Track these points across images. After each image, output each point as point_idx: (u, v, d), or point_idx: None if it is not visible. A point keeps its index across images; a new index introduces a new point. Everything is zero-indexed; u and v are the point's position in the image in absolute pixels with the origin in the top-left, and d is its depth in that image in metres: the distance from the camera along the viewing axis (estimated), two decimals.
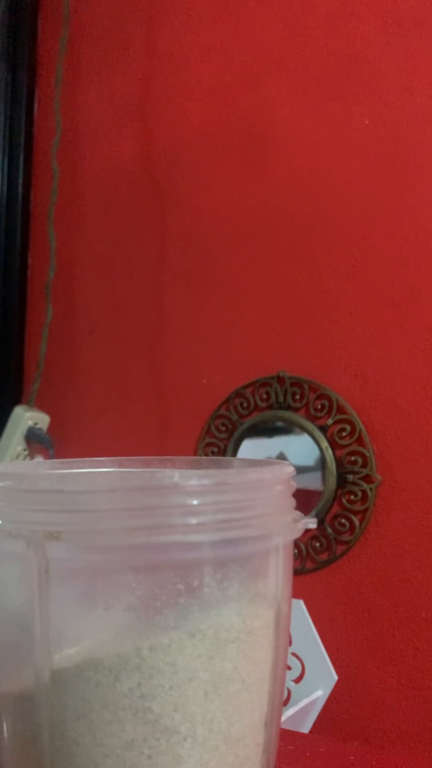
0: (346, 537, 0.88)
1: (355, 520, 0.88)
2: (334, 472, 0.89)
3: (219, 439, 0.97)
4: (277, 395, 0.93)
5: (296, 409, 0.93)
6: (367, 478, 0.88)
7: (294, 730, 0.68)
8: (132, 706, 0.33)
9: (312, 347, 0.92)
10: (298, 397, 0.92)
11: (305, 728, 0.84)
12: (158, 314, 1.04)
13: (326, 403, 0.90)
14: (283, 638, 0.38)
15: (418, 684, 0.84)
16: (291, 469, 0.39)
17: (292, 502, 0.39)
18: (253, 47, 0.99)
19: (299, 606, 0.87)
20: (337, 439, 0.89)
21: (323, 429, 0.90)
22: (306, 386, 0.92)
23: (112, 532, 0.33)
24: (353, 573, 0.88)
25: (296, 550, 0.91)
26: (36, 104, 1.17)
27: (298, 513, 0.39)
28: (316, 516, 0.90)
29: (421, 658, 0.84)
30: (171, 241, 1.04)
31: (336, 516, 0.89)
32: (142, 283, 1.06)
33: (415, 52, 0.88)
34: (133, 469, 0.46)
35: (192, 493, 0.34)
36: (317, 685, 0.85)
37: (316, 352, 0.92)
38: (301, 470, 0.91)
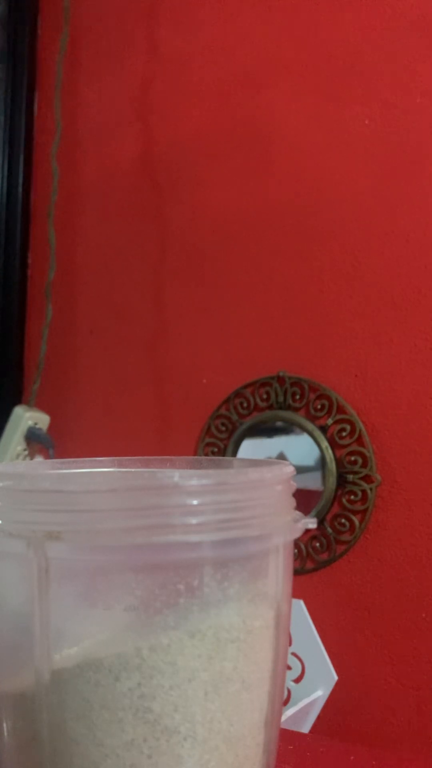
0: (346, 537, 0.88)
1: (355, 520, 0.88)
2: (334, 472, 0.89)
3: (219, 439, 0.97)
4: (277, 395, 0.93)
5: (296, 409, 0.93)
6: (367, 478, 0.88)
7: (294, 730, 0.68)
8: (132, 706, 0.33)
9: (312, 347, 0.92)
10: (298, 397, 0.92)
11: (305, 728, 0.84)
12: (158, 314, 1.04)
13: (326, 403, 0.90)
14: (283, 638, 0.38)
15: (418, 684, 0.84)
16: (291, 469, 0.39)
17: (292, 502, 0.39)
18: (253, 47, 0.99)
19: (299, 606, 0.87)
20: (337, 439, 0.89)
21: (323, 429, 0.90)
22: (306, 386, 0.92)
23: (112, 532, 0.33)
24: (353, 573, 0.88)
25: (296, 550, 0.91)
26: (36, 104, 1.17)
27: (298, 513, 0.39)
28: (316, 516, 0.90)
29: (421, 658, 0.84)
30: (171, 241, 1.04)
31: (336, 516, 0.89)
32: (142, 283, 1.06)
33: (415, 52, 0.88)
34: (133, 469, 0.46)
35: (192, 493, 0.34)
36: (317, 685, 0.85)
37: (316, 352, 0.92)
38: (301, 470, 0.91)
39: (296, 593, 0.89)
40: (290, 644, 0.86)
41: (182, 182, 1.03)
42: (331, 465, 0.89)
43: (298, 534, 0.38)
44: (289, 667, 0.86)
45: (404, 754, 0.81)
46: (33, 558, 0.34)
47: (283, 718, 0.73)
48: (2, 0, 1.15)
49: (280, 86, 0.96)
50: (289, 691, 0.85)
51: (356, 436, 0.88)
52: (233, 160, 0.99)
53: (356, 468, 0.88)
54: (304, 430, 0.91)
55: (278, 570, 0.38)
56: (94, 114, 1.12)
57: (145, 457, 0.46)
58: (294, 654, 0.86)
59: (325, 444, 0.90)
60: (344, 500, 0.89)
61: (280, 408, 0.93)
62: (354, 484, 0.88)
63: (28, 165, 1.16)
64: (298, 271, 0.94)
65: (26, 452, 1.00)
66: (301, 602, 0.87)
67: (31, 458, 1.01)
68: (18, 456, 0.99)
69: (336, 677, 0.86)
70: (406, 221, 0.87)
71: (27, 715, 0.35)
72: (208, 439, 0.98)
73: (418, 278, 0.86)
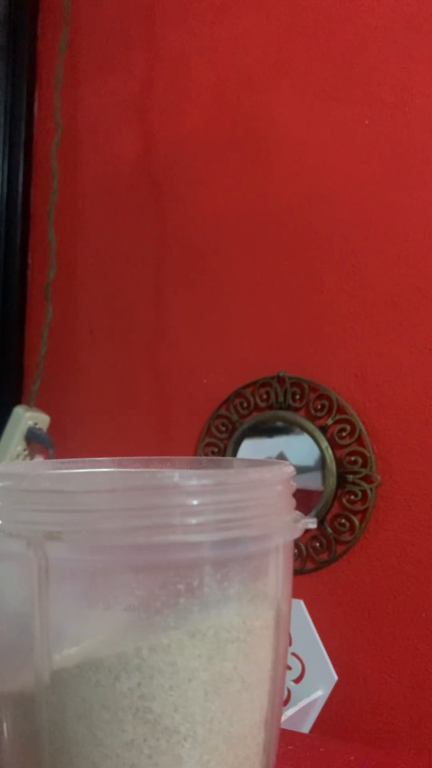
0: (346, 537, 0.88)
1: (355, 520, 0.88)
2: (334, 472, 0.89)
3: (219, 439, 0.97)
4: (277, 395, 0.93)
5: (296, 409, 0.93)
6: (367, 478, 0.88)
7: (294, 730, 0.68)
8: (132, 706, 0.33)
9: (312, 347, 0.92)
10: (298, 397, 0.92)
11: (305, 728, 0.84)
12: (158, 314, 1.04)
13: (326, 403, 0.90)
14: (283, 638, 0.38)
15: (418, 684, 0.84)
16: (291, 469, 0.39)
17: (292, 502, 0.39)
18: (253, 47, 0.99)
19: (299, 606, 0.87)
20: (337, 439, 0.89)
21: (323, 429, 0.90)
22: (306, 386, 0.92)
23: (112, 532, 0.33)
24: (353, 573, 0.88)
25: (296, 550, 0.91)
26: (36, 104, 1.17)
27: (298, 513, 0.39)
28: (316, 516, 0.90)
29: (421, 658, 0.84)
30: (171, 241, 1.04)
31: (336, 516, 0.89)
32: (142, 283, 1.06)
33: (415, 52, 0.88)
34: (133, 469, 0.46)
35: (192, 493, 0.34)
36: (317, 685, 0.85)
37: (316, 352, 0.92)
38: (301, 470, 0.91)
39: (296, 593, 0.89)
40: (290, 644, 0.86)
41: (182, 182, 1.03)
42: (331, 465, 0.89)
43: (298, 534, 0.38)
44: (289, 667, 0.86)
45: (404, 754, 0.81)
46: (33, 558, 0.34)
47: (283, 718, 0.73)
48: (2, 0, 1.15)
49: (280, 86, 0.96)
50: (289, 691, 0.85)
51: (356, 436, 0.88)
52: (233, 160, 0.99)
53: (356, 468, 0.88)
54: (304, 430, 0.91)
55: (278, 570, 0.38)
56: (94, 114, 1.12)
57: (145, 457, 0.46)
58: (294, 654, 0.86)
59: (325, 444, 0.90)
60: (344, 500, 0.89)
61: (280, 408, 0.93)
62: (354, 484, 0.88)
63: (28, 165, 1.16)
64: (298, 271, 0.94)
65: (26, 452, 1.00)
66: (301, 602, 0.87)
67: (31, 458, 1.01)
68: (18, 456, 0.99)
69: (336, 677, 0.86)
70: (406, 221, 0.87)
71: (27, 715, 0.35)
72: (208, 439, 0.98)
73: (418, 278, 0.86)
